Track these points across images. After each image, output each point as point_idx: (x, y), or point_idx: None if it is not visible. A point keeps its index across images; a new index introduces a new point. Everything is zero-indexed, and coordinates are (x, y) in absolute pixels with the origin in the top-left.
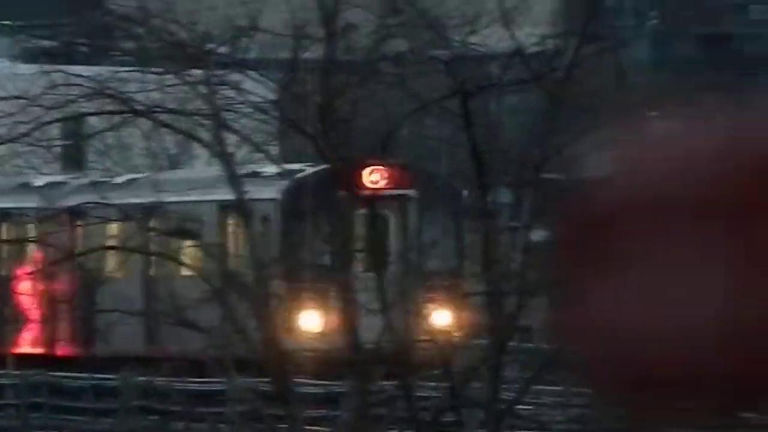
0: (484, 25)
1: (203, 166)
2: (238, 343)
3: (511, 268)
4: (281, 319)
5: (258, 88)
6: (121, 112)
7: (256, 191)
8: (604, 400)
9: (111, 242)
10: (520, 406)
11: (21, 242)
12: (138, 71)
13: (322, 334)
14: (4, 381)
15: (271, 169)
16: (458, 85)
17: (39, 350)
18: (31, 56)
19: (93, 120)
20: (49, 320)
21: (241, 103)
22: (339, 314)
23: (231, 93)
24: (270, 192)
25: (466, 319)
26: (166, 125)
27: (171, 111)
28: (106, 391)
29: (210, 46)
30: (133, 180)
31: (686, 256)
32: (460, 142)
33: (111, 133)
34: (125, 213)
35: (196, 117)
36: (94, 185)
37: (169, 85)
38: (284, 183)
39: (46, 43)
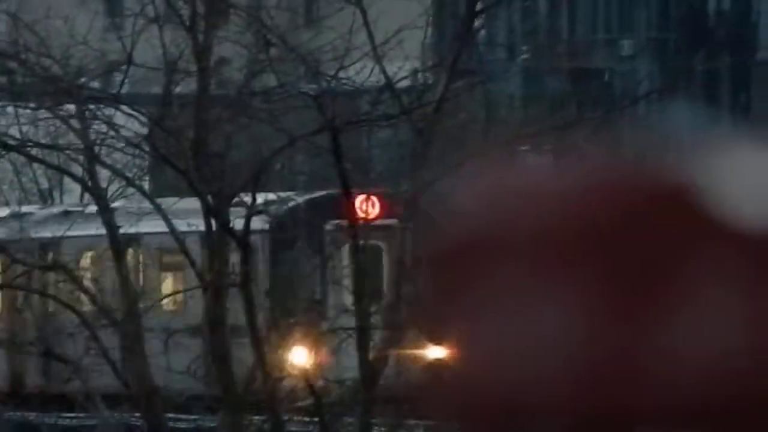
0: (355, 59)
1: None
2: (108, 377)
3: (382, 302)
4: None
5: (130, 123)
6: None
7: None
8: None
9: None
10: None
11: None
12: (10, 105)
13: (192, 369)
14: None
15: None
16: (328, 120)
17: None
18: None
19: None
20: None
21: (114, 138)
22: (212, 349)
23: (104, 128)
24: (258, 222)
25: (326, 355)
26: (38, 160)
27: (43, 146)
28: None
29: (83, 80)
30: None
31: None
32: (331, 176)
33: None
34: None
35: (68, 151)
36: None
37: (41, 119)
38: (273, 213)
39: None
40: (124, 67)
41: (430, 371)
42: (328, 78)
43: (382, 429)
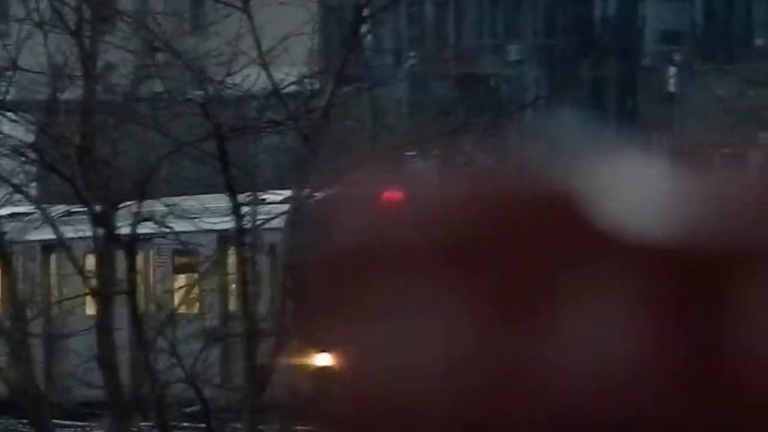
0: (241, 65)
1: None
2: None
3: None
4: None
5: (16, 130)
6: None
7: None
8: None
9: None
10: None
11: None
12: None
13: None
14: None
15: (272, 196)
16: (214, 127)
17: None
18: None
19: None
20: None
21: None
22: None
23: None
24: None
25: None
26: None
27: None
28: None
29: None
30: None
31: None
32: (220, 182)
33: None
34: None
35: None
36: None
37: None
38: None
39: None
40: (9, 73)
41: (314, 379)
42: (215, 84)
43: None
